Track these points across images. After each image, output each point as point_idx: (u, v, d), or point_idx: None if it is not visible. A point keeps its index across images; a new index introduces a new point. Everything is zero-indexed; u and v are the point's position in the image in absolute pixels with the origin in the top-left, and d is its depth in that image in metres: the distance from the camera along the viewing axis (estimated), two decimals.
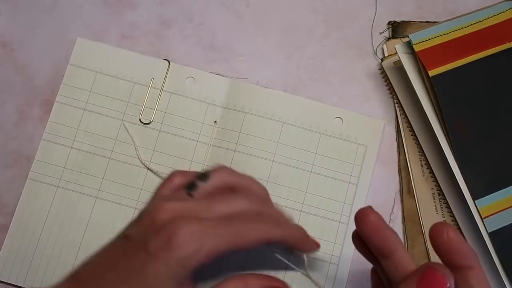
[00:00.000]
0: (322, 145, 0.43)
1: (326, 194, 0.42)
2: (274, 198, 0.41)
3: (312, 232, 0.41)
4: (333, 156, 0.42)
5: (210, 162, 0.42)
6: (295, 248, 0.37)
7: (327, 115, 0.43)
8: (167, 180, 0.35)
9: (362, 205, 0.42)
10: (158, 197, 0.34)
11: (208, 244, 0.30)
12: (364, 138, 0.43)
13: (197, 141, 0.43)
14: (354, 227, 0.38)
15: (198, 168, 0.42)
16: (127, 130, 0.43)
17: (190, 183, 0.34)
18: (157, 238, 0.29)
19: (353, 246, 0.39)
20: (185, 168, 0.42)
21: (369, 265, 0.41)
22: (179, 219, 0.30)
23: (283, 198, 0.42)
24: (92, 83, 0.44)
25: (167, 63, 0.44)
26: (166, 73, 0.44)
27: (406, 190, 0.42)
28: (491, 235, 0.38)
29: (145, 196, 0.42)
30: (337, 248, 0.41)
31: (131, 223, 0.32)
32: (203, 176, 0.34)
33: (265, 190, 0.37)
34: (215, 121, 0.43)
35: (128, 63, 0.44)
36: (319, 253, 0.41)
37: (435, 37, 0.40)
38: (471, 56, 0.40)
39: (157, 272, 0.29)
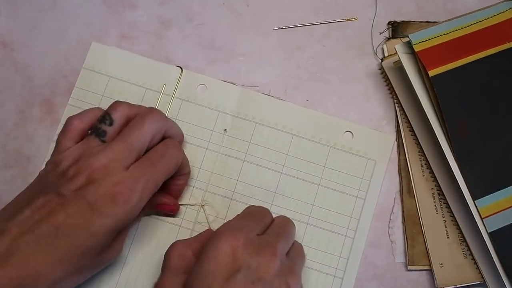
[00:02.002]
0: (331, 159, 0.43)
1: (333, 208, 0.42)
2: (281, 210, 0.42)
3: (318, 245, 0.41)
4: (342, 170, 0.42)
5: (219, 170, 0.42)
6: (184, 168, 0.39)
7: (338, 128, 0.43)
8: (65, 129, 0.37)
9: (369, 219, 0.42)
10: (62, 149, 0.36)
11: (144, 192, 0.34)
12: (373, 153, 0.43)
13: (207, 148, 0.43)
14: (360, 242, 0.42)
15: (206, 176, 0.42)
16: None
17: (99, 130, 0.36)
18: (98, 195, 0.33)
19: (358, 260, 0.41)
20: (193, 175, 0.42)
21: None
22: (111, 174, 0.33)
23: (291, 210, 0.42)
24: (104, 87, 0.44)
25: (180, 69, 0.44)
26: (178, 80, 0.44)
27: (406, 190, 0.42)
28: (491, 235, 0.38)
29: None
30: (342, 262, 0.41)
31: (59, 181, 0.34)
32: (105, 119, 0.36)
33: (157, 110, 0.38)
34: (225, 129, 0.43)
35: (141, 68, 0.44)
36: (325, 267, 0.41)
37: (435, 37, 0.40)
38: (471, 56, 0.40)
39: (103, 226, 0.33)
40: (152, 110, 0.37)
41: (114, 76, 0.44)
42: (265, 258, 0.32)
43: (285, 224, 0.37)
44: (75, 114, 0.38)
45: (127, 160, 0.34)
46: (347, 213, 0.42)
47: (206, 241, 0.34)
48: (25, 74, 0.45)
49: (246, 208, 0.38)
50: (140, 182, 0.34)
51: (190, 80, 0.44)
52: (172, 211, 0.41)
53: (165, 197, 0.40)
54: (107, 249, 0.36)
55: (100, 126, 0.36)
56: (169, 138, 0.38)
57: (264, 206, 0.39)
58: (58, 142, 0.37)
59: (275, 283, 0.32)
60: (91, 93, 0.44)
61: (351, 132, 0.43)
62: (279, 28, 0.45)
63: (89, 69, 0.44)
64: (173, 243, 0.36)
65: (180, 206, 0.42)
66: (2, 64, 0.45)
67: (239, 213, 0.38)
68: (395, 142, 0.43)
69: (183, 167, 0.39)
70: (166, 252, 0.36)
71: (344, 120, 0.43)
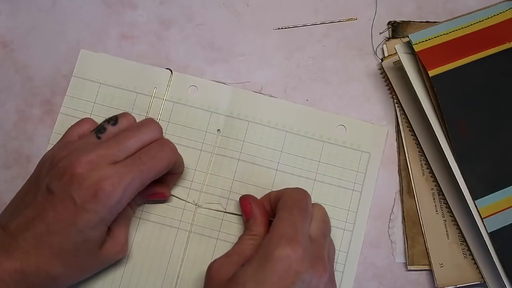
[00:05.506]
0: (326, 153, 0.43)
1: (330, 202, 0.42)
2: None
3: None
4: (336, 164, 0.43)
5: (214, 170, 0.42)
6: (178, 168, 0.40)
7: (330, 123, 0.43)
8: (77, 124, 0.39)
9: (366, 212, 0.42)
10: (67, 143, 0.37)
11: (128, 190, 0.34)
12: (367, 145, 0.43)
13: (201, 150, 0.43)
14: (359, 235, 0.42)
15: (201, 177, 0.42)
16: None
17: (99, 126, 0.37)
18: (81, 191, 0.33)
19: (358, 253, 0.41)
20: (189, 177, 0.42)
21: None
22: (97, 169, 0.34)
23: None
24: (96, 94, 0.44)
25: (169, 72, 0.44)
26: (169, 83, 0.44)
27: (406, 190, 0.42)
28: (491, 235, 0.38)
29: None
30: (342, 256, 0.41)
31: (49, 176, 0.35)
32: (111, 119, 0.38)
33: (160, 127, 0.38)
34: (218, 130, 0.43)
35: (131, 73, 0.44)
36: None
37: (435, 37, 0.40)
38: (471, 56, 0.40)
39: (88, 221, 0.33)
40: (150, 119, 0.38)
41: (104, 82, 0.44)
42: (318, 273, 0.33)
43: (327, 219, 0.38)
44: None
45: (115, 158, 0.35)
46: (344, 206, 0.42)
47: (246, 253, 0.36)
48: (25, 74, 0.45)
49: (288, 194, 0.37)
50: (124, 179, 0.34)
51: (180, 82, 0.44)
52: (163, 198, 0.41)
53: (154, 186, 0.40)
54: (106, 244, 0.37)
55: (103, 123, 0.38)
56: (164, 139, 0.38)
57: (303, 189, 0.38)
58: (66, 132, 0.38)
59: None
60: (83, 101, 0.44)
61: (344, 126, 0.43)
62: (279, 28, 0.46)
63: (79, 76, 0.44)
64: (213, 261, 0.36)
65: (177, 208, 0.42)
66: (2, 64, 0.45)
67: (266, 193, 0.40)
68: (388, 133, 0.43)
69: (176, 167, 0.39)
70: (206, 271, 0.36)
71: (335, 112, 0.44)
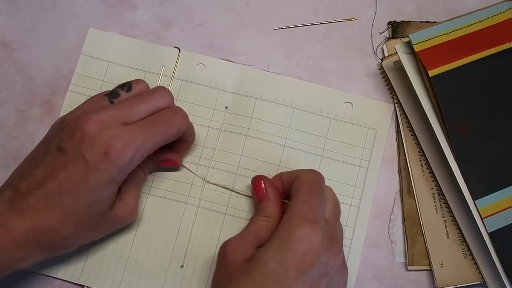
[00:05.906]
0: (333, 130, 0.43)
1: (337, 178, 0.42)
2: None
3: None
4: (343, 140, 0.43)
5: (222, 147, 0.43)
6: (189, 136, 0.40)
7: (337, 100, 0.44)
8: (103, 92, 0.39)
9: (372, 188, 0.42)
10: (80, 106, 0.37)
11: (139, 150, 0.34)
12: (373, 122, 0.43)
13: (209, 127, 0.43)
14: (365, 210, 0.42)
15: (210, 153, 0.43)
16: None
17: (113, 91, 0.37)
18: (93, 150, 0.33)
19: (365, 229, 0.42)
20: (197, 153, 0.43)
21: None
22: (108, 129, 0.34)
23: None
24: (104, 72, 0.44)
25: (177, 50, 0.44)
26: (177, 61, 0.44)
27: (406, 190, 0.42)
28: (491, 235, 0.38)
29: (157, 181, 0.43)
30: (349, 231, 0.41)
31: (60, 136, 0.35)
32: (125, 85, 0.38)
33: (172, 95, 0.38)
34: (226, 107, 0.43)
35: (139, 52, 0.44)
36: None
37: (435, 37, 0.40)
38: (471, 56, 0.40)
39: (99, 180, 0.33)
40: (162, 87, 0.39)
41: (113, 61, 0.44)
42: (334, 254, 0.34)
43: (338, 202, 0.38)
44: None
45: (126, 120, 0.35)
46: (351, 182, 0.42)
47: (258, 232, 0.36)
48: (25, 74, 0.45)
49: (304, 177, 0.37)
50: (136, 139, 0.34)
51: (188, 60, 0.44)
52: (175, 165, 0.41)
53: (167, 153, 0.40)
54: (116, 206, 0.37)
55: (116, 89, 0.37)
56: (176, 106, 0.38)
57: (318, 171, 0.38)
58: (86, 100, 0.38)
59: (335, 278, 0.35)
60: (92, 79, 0.44)
61: (351, 103, 0.43)
62: (279, 28, 0.46)
63: (88, 55, 0.44)
64: (227, 240, 0.36)
65: (185, 184, 0.42)
66: (2, 64, 0.45)
67: (279, 173, 0.40)
68: (394, 111, 0.43)
69: (187, 135, 0.40)
70: (220, 250, 0.36)
71: (343, 91, 0.44)
